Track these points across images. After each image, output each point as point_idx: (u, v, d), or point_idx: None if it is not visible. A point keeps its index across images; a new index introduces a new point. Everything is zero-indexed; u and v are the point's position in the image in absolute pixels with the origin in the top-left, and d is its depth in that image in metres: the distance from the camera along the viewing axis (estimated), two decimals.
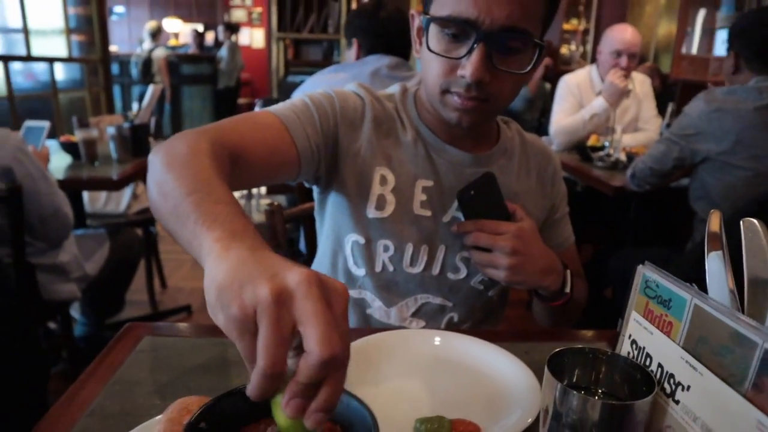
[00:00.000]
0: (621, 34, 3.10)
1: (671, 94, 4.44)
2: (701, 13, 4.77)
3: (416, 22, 0.99)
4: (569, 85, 3.23)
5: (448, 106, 0.95)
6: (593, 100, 3.15)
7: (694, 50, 4.75)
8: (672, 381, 0.54)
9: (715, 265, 0.59)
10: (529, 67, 0.91)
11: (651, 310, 0.57)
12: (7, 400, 1.61)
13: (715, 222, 0.60)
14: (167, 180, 0.68)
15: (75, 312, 2.52)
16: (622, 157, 2.83)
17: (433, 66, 0.93)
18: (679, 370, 0.53)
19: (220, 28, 9.02)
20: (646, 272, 0.59)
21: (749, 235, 0.59)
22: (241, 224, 0.56)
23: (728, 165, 2.03)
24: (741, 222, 0.59)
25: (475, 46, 0.86)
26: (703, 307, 0.51)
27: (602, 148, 2.90)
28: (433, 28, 0.91)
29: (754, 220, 0.59)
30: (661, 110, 3.43)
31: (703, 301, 0.51)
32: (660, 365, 0.55)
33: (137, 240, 2.62)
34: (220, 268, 0.49)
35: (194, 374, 0.83)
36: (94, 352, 0.83)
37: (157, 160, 0.73)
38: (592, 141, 3.01)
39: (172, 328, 0.97)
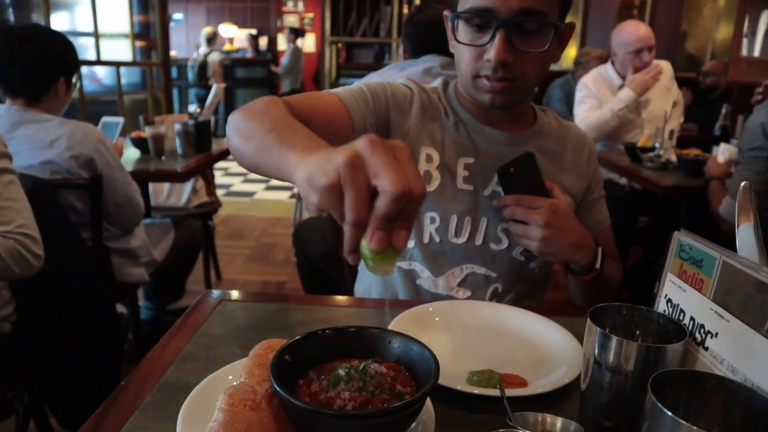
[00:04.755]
0: (636, 32, 3.11)
1: (728, 95, 4.37)
2: (765, 14, 4.65)
3: (448, 22, 1.10)
4: (587, 85, 3.28)
5: (480, 90, 1.06)
6: (612, 96, 3.17)
7: (756, 52, 4.63)
8: (702, 330, 0.60)
9: (745, 234, 0.65)
10: (547, 46, 1.00)
11: (684, 271, 0.63)
12: (87, 371, 1.76)
13: (745, 195, 0.66)
14: (249, 126, 0.83)
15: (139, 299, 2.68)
16: (673, 157, 2.82)
17: (464, 55, 1.06)
18: (709, 320, 0.59)
19: (286, 32, 9.19)
20: (681, 237, 0.65)
21: None
22: (315, 143, 0.68)
23: None
24: None
25: (496, 32, 0.97)
26: (730, 263, 0.57)
27: (652, 149, 2.90)
28: (460, 23, 1.04)
29: None
30: (717, 112, 3.41)
31: (731, 258, 0.57)
32: (692, 318, 0.61)
33: (199, 230, 2.78)
34: (305, 167, 0.60)
35: (268, 331, 0.93)
36: (157, 336, 0.91)
37: (237, 116, 0.89)
38: (642, 142, 3.01)
39: (246, 295, 1.07)
